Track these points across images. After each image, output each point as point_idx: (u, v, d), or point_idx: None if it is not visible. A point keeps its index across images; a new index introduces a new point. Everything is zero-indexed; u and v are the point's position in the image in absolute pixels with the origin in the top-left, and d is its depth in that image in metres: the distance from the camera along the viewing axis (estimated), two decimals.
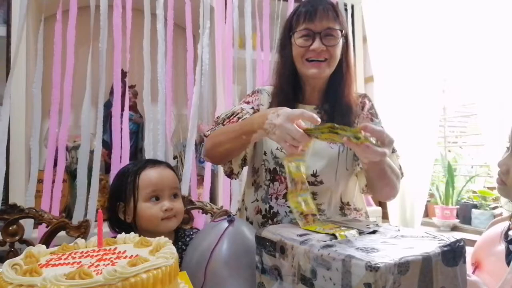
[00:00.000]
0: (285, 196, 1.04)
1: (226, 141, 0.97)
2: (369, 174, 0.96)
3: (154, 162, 1.07)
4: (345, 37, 1.04)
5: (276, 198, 1.06)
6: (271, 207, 1.06)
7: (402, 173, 1.06)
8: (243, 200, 1.19)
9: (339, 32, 1.00)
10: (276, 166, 1.06)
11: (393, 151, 1.05)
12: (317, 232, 0.74)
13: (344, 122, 1.02)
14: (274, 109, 0.84)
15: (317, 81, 1.05)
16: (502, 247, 0.90)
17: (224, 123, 1.07)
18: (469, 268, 1.00)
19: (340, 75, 1.04)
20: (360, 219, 1.02)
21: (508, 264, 0.84)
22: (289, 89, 1.06)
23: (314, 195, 1.03)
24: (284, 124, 0.79)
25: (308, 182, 1.01)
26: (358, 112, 1.08)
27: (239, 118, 1.06)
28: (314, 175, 1.02)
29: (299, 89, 1.08)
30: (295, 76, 1.06)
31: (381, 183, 0.96)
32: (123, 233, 0.71)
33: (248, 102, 1.12)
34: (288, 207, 1.04)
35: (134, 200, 0.99)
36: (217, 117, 1.12)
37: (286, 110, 0.82)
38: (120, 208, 1.02)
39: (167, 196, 1.02)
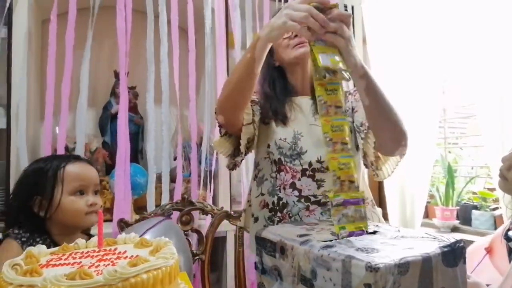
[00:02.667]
0: (291, 186, 1.04)
1: (233, 76, 0.94)
2: (372, 108, 0.89)
3: (77, 157, 1.07)
4: None
5: (284, 188, 1.05)
6: (280, 199, 1.06)
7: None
8: (248, 201, 1.18)
9: None
10: (280, 156, 1.06)
11: None
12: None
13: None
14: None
15: (302, 70, 1.10)
16: None
17: None
18: (482, 253, 1.09)
19: None
20: None
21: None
22: (281, 85, 1.11)
23: (321, 182, 1.03)
24: (291, 3, 0.79)
25: (314, 168, 1.03)
26: (349, 103, 1.11)
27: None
28: (319, 161, 1.03)
29: (291, 86, 1.12)
30: (283, 76, 1.12)
31: (388, 115, 0.89)
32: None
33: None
34: (296, 196, 1.03)
35: (55, 193, 0.96)
36: None
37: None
38: (36, 202, 0.97)
39: (91, 191, 1.02)
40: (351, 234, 0.70)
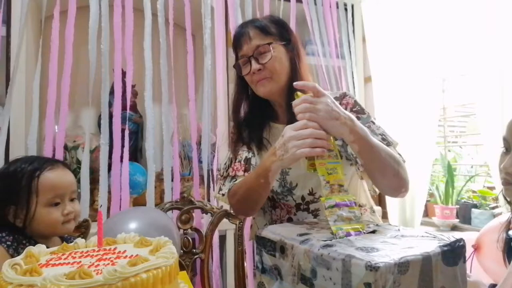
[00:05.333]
0: (288, 221, 1.03)
1: (248, 194, 0.97)
2: (367, 167, 0.92)
3: (52, 163, 0.97)
4: (291, 45, 1.02)
5: (281, 223, 1.04)
6: None
7: (403, 160, 1.03)
8: (253, 218, 1.18)
9: (269, 46, 0.98)
10: (272, 195, 1.05)
11: (389, 144, 1.00)
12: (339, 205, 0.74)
13: None
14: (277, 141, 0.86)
15: (276, 98, 1.05)
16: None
17: (230, 174, 1.07)
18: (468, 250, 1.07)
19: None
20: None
21: (508, 257, 0.86)
22: (258, 111, 1.07)
23: (317, 211, 1.02)
24: (291, 134, 0.80)
25: (308, 201, 1.02)
26: None
27: (239, 161, 1.07)
28: (311, 193, 1.02)
29: (271, 110, 1.09)
30: (257, 98, 1.07)
31: (383, 172, 0.91)
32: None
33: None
34: None
35: (30, 205, 0.90)
36: (218, 170, 1.14)
37: (286, 127, 0.83)
38: (11, 211, 0.91)
39: (67, 199, 0.95)
40: (348, 234, 0.70)
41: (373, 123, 1.04)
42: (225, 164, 1.10)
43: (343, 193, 0.76)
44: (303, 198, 1.01)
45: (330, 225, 0.72)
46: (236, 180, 1.05)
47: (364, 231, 0.72)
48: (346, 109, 1.02)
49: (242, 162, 1.06)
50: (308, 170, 0.82)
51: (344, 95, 1.07)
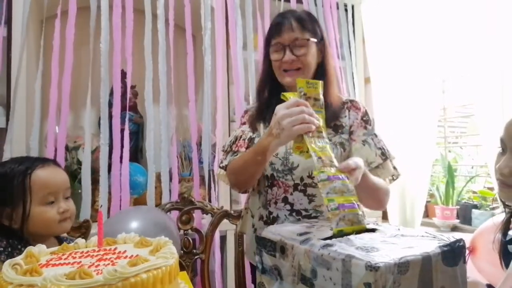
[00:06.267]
0: (284, 200, 1.06)
1: (245, 168, 1.03)
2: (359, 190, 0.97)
3: (43, 161, 0.96)
4: (322, 42, 1.08)
5: (275, 203, 1.07)
6: (270, 213, 1.08)
7: (398, 174, 1.10)
8: (246, 208, 1.20)
9: (308, 41, 1.04)
10: (273, 172, 1.08)
11: (386, 158, 1.07)
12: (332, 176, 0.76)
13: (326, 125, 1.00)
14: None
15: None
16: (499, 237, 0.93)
17: (233, 149, 1.13)
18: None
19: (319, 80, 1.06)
20: None
21: (504, 259, 0.85)
22: (273, 96, 1.10)
23: (312, 197, 1.04)
24: (284, 112, 0.83)
25: (306, 183, 1.05)
26: (347, 119, 1.10)
27: (244, 140, 1.12)
28: (310, 176, 1.04)
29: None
30: (278, 86, 1.11)
31: (365, 194, 0.96)
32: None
33: (244, 123, 1.18)
34: (288, 210, 1.05)
35: (25, 204, 0.88)
36: (223, 146, 1.19)
37: (278, 106, 0.87)
38: (6, 213, 0.89)
39: (61, 197, 0.94)
40: (340, 206, 0.72)
41: (375, 135, 1.10)
42: (230, 141, 1.17)
43: (335, 169, 0.79)
44: (302, 179, 1.05)
45: (323, 197, 0.74)
46: (237, 155, 1.11)
47: (358, 204, 0.74)
48: (357, 115, 1.10)
49: (246, 141, 1.12)
50: (295, 152, 0.85)
51: (355, 101, 1.14)
